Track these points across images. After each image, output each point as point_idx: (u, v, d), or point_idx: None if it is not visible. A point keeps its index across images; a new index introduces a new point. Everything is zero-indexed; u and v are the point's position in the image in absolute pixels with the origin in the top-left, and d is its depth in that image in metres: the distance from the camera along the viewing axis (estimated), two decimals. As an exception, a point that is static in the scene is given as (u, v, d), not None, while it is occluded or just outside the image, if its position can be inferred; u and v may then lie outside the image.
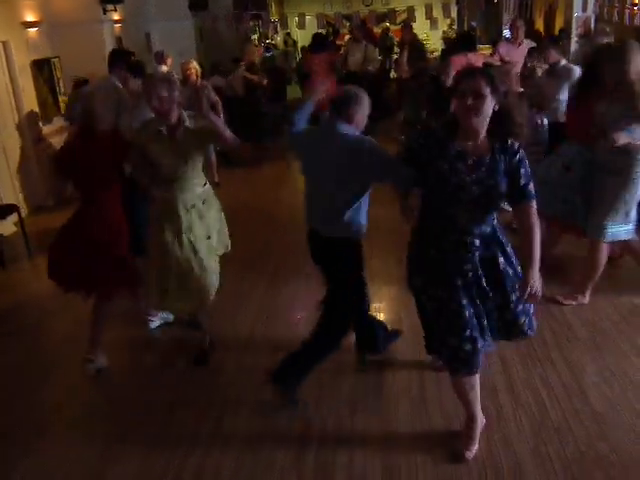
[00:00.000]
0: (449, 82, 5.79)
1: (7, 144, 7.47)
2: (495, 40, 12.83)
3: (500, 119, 2.83)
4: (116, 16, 9.36)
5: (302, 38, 19.32)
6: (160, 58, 8.86)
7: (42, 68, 8.14)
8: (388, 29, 16.66)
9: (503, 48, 8.05)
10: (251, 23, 17.17)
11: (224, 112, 8.02)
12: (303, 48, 16.13)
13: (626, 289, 4.77)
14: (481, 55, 7.96)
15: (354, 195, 3.36)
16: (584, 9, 10.80)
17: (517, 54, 7.56)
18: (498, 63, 7.53)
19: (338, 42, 15.89)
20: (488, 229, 2.98)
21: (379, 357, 4.07)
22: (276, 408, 3.62)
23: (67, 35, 8.45)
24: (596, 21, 10.96)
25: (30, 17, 7.91)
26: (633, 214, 4.39)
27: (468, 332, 2.93)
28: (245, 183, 8.87)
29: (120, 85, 5.83)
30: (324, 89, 3.79)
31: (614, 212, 4.33)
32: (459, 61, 6.33)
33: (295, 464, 3.25)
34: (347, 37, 16.23)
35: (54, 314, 5.14)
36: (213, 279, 4.09)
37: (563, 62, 5.84)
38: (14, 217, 6.73)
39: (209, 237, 4.09)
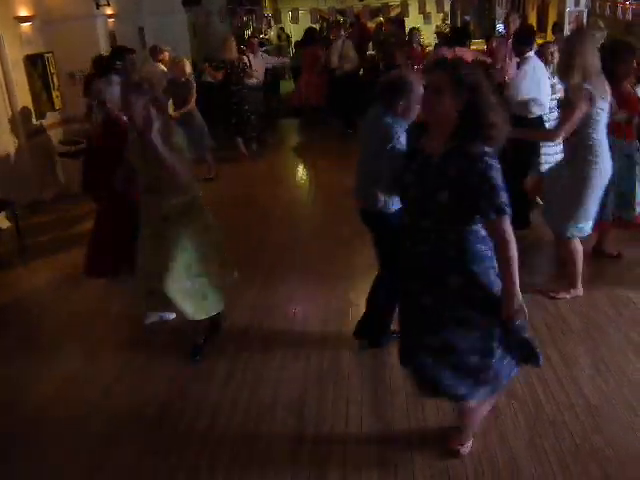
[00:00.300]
0: None
1: (0, 139, 7.42)
2: (489, 35, 12.87)
3: (468, 118, 2.55)
4: (109, 11, 9.31)
5: (296, 33, 19.28)
6: (155, 53, 8.78)
7: (36, 63, 8.09)
8: (382, 24, 16.62)
9: (496, 43, 8.01)
10: (245, 18, 17.10)
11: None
12: (297, 43, 16.11)
13: (621, 283, 4.80)
14: (470, 51, 7.94)
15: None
16: (576, 4, 10.86)
17: (508, 49, 7.52)
18: (489, 60, 7.49)
19: (332, 37, 15.84)
20: (451, 251, 2.66)
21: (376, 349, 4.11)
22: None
23: (60, 30, 8.39)
24: (589, 15, 11.01)
25: (23, 12, 7.86)
26: (593, 211, 4.42)
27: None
28: (241, 178, 8.85)
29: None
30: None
31: (574, 210, 4.38)
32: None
33: (290, 459, 3.26)
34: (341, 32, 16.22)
35: (48, 308, 5.16)
36: (178, 298, 3.89)
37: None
38: (8, 212, 6.72)
39: (186, 250, 3.94)
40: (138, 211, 4.10)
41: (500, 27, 14.85)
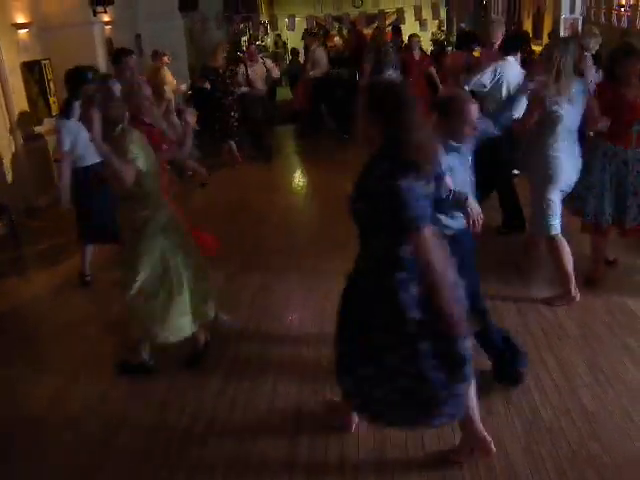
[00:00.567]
0: None
1: (-3, 145, 7.43)
2: (483, 43, 12.88)
3: (390, 140, 2.56)
4: (106, 17, 9.32)
5: (292, 40, 19.34)
6: (155, 57, 9.21)
7: (33, 70, 8.09)
8: (379, 29, 16.67)
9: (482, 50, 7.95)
10: (241, 25, 17.14)
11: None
12: (293, 50, 16.18)
13: (618, 290, 4.80)
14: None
15: None
16: (572, 11, 10.89)
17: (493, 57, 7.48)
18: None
19: (329, 44, 15.91)
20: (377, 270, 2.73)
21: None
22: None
23: (57, 37, 8.40)
24: (584, 23, 11.05)
25: (20, 19, 7.86)
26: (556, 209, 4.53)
27: None
28: (236, 184, 8.84)
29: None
30: None
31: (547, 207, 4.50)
32: None
33: (287, 461, 3.27)
34: (336, 38, 16.31)
35: (46, 313, 5.15)
36: (141, 314, 3.98)
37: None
38: (4, 218, 6.71)
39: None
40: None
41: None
